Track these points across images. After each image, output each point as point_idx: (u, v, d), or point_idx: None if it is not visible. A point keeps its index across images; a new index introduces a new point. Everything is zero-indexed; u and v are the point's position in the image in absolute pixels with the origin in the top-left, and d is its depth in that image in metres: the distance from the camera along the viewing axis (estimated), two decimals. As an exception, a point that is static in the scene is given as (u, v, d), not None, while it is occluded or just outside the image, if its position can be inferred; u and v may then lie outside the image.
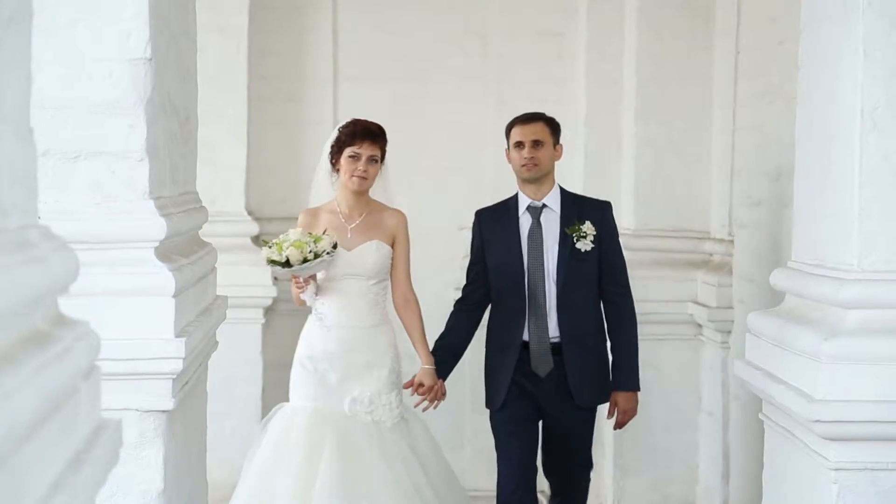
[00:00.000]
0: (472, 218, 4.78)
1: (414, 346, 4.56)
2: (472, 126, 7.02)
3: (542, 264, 4.44)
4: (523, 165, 4.48)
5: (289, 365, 4.47)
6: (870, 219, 3.18)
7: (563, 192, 4.62)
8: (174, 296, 3.41)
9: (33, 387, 1.34)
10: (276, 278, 4.95)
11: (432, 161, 6.83)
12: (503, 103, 6.91)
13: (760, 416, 3.68)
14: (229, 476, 5.01)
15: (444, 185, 6.91)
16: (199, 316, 3.79)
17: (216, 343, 4.17)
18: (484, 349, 4.68)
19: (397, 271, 4.50)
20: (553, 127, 4.64)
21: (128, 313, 3.40)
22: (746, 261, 5.69)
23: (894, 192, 3.19)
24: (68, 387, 1.54)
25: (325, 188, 4.66)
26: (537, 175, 4.49)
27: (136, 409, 3.33)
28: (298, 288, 4.38)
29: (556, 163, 4.63)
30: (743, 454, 5.43)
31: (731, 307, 5.87)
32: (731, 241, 6.03)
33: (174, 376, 3.38)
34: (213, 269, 4.17)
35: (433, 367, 4.47)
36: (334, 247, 4.19)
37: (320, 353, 4.41)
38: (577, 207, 4.54)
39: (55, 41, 3.44)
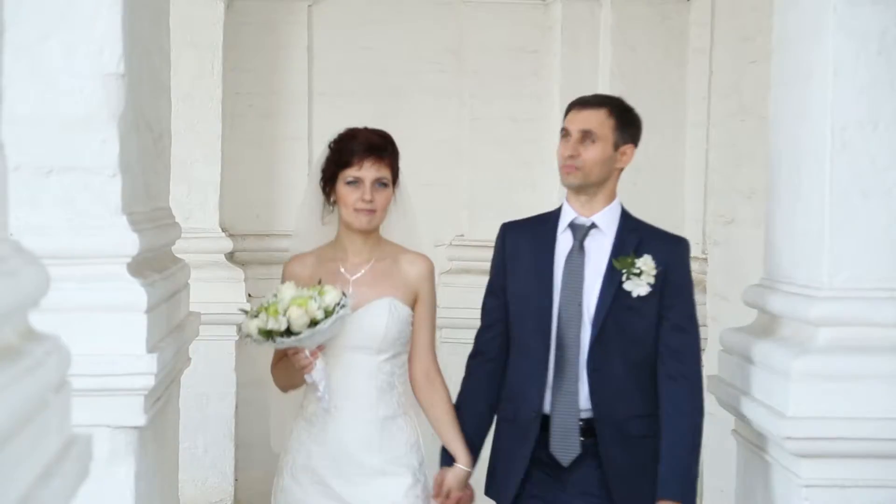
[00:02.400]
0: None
1: (442, 436, 3.30)
2: (447, 142, 7.05)
3: (580, 304, 3.19)
4: (562, 166, 3.24)
5: (262, 383, 4.38)
6: (840, 237, 3.22)
7: (624, 213, 3.34)
8: (146, 311, 3.39)
9: (2, 400, 1.33)
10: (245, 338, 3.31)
11: (407, 178, 6.82)
12: (478, 119, 6.95)
13: (732, 432, 3.69)
14: (201, 494, 4.99)
15: (419, 201, 6.88)
16: (172, 332, 3.77)
17: (189, 359, 4.14)
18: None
19: (418, 340, 3.29)
20: (623, 119, 3.32)
21: (99, 328, 3.38)
22: (720, 278, 5.73)
23: (864, 211, 3.23)
24: (38, 401, 1.54)
25: (311, 228, 3.44)
26: (578, 182, 3.21)
27: (108, 426, 3.31)
28: (304, 366, 3.06)
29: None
30: (715, 471, 5.44)
31: (704, 325, 5.88)
32: (705, 259, 6.07)
33: (146, 392, 3.34)
34: (187, 285, 4.15)
35: (469, 469, 3.28)
36: (343, 296, 3.00)
37: (312, 458, 3.26)
38: (638, 236, 3.26)
39: (27, 56, 3.43)
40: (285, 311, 2.85)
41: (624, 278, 3.13)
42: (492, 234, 3.71)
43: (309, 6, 7.00)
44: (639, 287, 3.12)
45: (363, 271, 3.22)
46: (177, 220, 4.24)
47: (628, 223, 3.31)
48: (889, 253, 3.24)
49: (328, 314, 2.86)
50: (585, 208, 3.26)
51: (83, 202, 3.57)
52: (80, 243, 3.52)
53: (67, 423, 1.74)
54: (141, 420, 3.38)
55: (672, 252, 3.28)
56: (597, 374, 3.15)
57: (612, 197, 3.32)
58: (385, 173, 3.22)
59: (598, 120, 3.23)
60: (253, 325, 2.98)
